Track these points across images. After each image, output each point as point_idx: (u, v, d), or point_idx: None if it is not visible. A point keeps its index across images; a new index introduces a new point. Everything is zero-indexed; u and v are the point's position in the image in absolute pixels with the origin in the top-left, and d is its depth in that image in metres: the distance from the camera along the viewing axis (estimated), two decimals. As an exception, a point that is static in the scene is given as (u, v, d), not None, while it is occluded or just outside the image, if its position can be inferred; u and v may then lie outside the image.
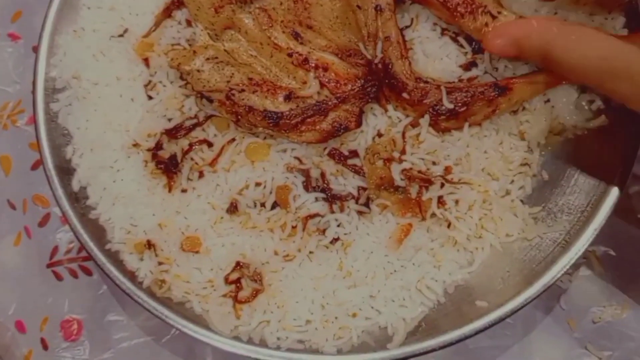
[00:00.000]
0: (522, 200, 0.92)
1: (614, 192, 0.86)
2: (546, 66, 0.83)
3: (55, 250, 1.09)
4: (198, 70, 0.91)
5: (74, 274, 1.08)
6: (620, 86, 0.74)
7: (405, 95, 0.89)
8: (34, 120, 0.98)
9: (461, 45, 0.93)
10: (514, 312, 0.85)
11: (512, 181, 0.92)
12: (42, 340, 1.06)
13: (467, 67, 0.92)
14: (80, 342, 1.05)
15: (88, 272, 1.08)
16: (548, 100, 0.90)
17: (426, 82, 0.89)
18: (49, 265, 1.08)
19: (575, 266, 0.99)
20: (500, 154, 0.90)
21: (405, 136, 0.91)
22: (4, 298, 1.09)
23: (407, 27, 0.94)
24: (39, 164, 1.11)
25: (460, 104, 0.88)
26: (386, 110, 0.93)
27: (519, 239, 0.90)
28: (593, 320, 0.99)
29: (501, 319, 0.85)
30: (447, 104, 0.88)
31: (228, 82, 0.90)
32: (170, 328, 1.03)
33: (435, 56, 0.92)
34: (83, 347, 1.05)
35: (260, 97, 0.90)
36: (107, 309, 1.06)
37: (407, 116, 0.92)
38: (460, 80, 0.91)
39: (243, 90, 0.90)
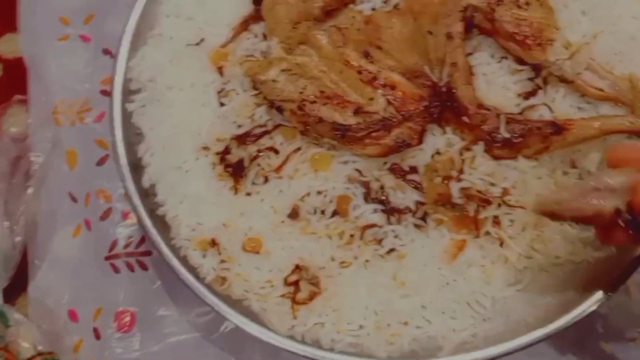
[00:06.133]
0: (570, 225, 0.96)
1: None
2: None
3: (114, 243, 1.13)
4: (273, 80, 0.96)
5: (131, 268, 1.12)
6: None
7: (465, 118, 0.93)
8: (102, 119, 1.05)
9: (520, 75, 0.98)
10: (559, 330, 0.89)
11: (564, 206, 0.97)
12: (95, 330, 1.10)
13: (526, 96, 0.97)
14: (132, 333, 1.09)
15: (144, 267, 1.12)
16: (601, 131, 0.95)
17: (487, 109, 0.94)
18: (107, 258, 1.12)
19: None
20: (554, 180, 0.95)
21: (462, 157, 0.96)
22: (58, 287, 1.13)
23: (469, 54, 0.99)
24: (104, 160, 1.16)
25: (516, 135, 0.92)
26: (445, 132, 0.97)
27: (567, 261, 0.94)
28: (628, 344, 1.03)
29: (546, 337, 0.89)
30: (504, 133, 0.92)
31: (301, 93, 0.95)
32: (219, 326, 1.08)
33: (496, 84, 0.97)
34: (135, 339, 1.09)
35: (331, 109, 0.95)
36: (159, 303, 1.10)
37: (463, 140, 0.96)
38: (521, 112, 0.95)
39: (315, 102, 0.95)
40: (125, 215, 1.13)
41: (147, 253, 1.12)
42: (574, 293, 0.92)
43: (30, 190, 1.16)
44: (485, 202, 0.93)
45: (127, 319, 1.10)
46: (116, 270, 1.12)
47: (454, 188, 0.94)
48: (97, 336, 1.10)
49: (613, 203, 0.69)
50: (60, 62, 1.23)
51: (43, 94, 1.21)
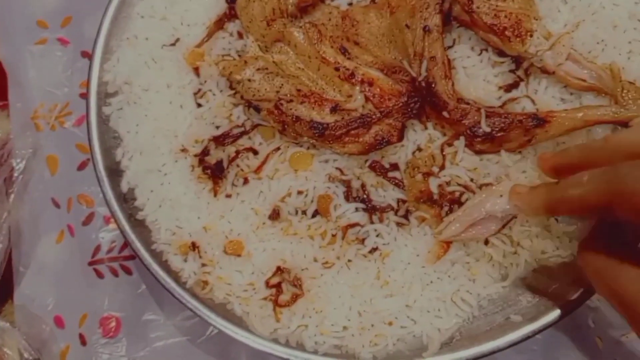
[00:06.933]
0: (556, 219, 0.94)
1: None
2: None
3: (97, 248, 1.12)
4: (249, 80, 0.94)
5: (115, 273, 1.11)
6: None
7: (445, 114, 0.91)
8: (82, 122, 1.03)
9: (501, 67, 0.96)
10: (547, 326, 0.87)
11: (548, 200, 0.95)
12: (81, 336, 1.09)
13: (508, 88, 0.95)
14: (118, 339, 1.08)
15: (128, 271, 1.11)
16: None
17: (467, 103, 0.92)
18: (90, 263, 1.12)
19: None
20: (539, 174, 0.93)
21: (444, 152, 0.94)
22: (44, 293, 1.13)
23: (449, 47, 0.97)
24: (85, 164, 1.15)
25: (497, 129, 0.90)
26: (426, 127, 0.96)
27: (554, 256, 0.92)
28: (620, 338, 1.01)
29: (534, 333, 0.87)
30: (485, 127, 0.90)
31: (277, 92, 0.93)
32: (205, 329, 1.07)
33: (476, 77, 0.95)
34: (120, 344, 1.08)
35: (308, 107, 0.93)
36: (144, 308, 1.09)
37: (445, 135, 0.95)
38: (502, 105, 0.93)
39: (291, 101, 0.93)
40: (107, 220, 1.12)
41: (131, 257, 1.10)
42: (562, 288, 0.90)
43: (12, 197, 1.15)
44: (455, 202, 0.91)
45: (113, 324, 1.09)
46: (100, 275, 1.11)
47: (435, 184, 0.92)
48: (83, 342, 1.09)
49: (495, 227, 0.87)
50: (38, 66, 1.22)
51: (22, 99, 1.19)
